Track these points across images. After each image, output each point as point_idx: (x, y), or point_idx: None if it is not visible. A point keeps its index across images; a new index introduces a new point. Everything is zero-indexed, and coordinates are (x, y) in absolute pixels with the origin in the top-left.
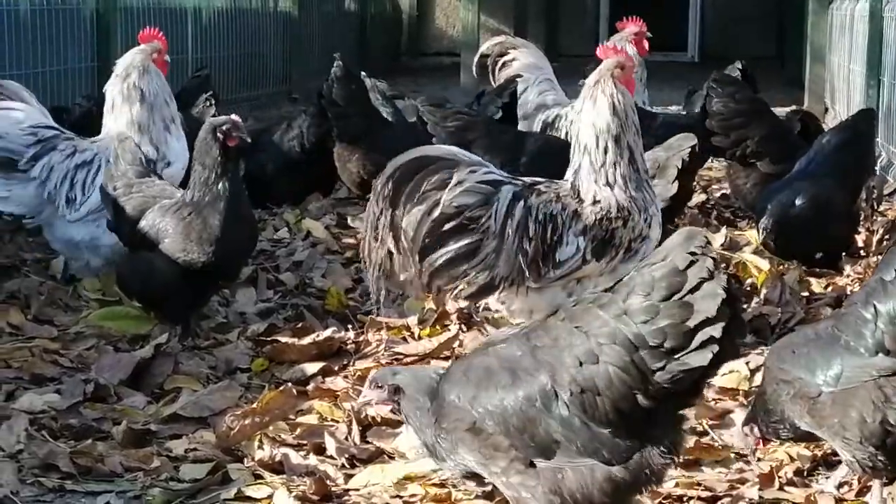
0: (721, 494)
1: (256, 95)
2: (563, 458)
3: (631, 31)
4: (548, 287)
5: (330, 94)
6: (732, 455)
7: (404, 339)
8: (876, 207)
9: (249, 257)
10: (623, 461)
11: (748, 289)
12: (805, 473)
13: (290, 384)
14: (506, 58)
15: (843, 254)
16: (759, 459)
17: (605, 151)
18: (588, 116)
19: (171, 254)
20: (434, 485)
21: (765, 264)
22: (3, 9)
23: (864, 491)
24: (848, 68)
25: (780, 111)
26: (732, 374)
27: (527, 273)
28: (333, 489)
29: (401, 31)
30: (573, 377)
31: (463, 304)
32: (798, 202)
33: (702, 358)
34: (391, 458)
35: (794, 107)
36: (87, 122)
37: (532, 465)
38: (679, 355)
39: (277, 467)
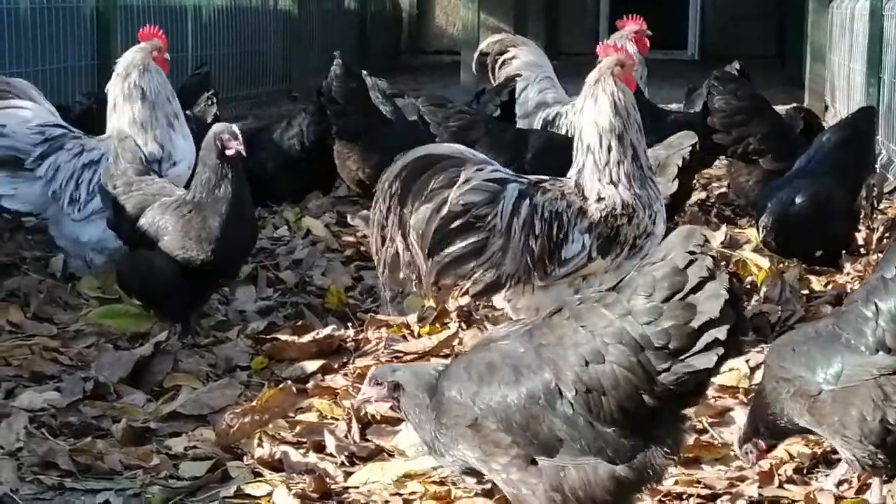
0: (720, 492)
1: (256, 93)
2: (567, 456)
3: (631, 29)
4: (554, 285)
5: (329, 92)
6: (732, 453)
7: (404, 336)
8: (876, 205)
9: (249, 256)
10: (627, 460)
11: (748, 287)
12: (805, 471)
13: (289, 382)
14: (506, 56)
15: (844, 252)
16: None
17: (609, 150)
18: (590, 115)
19: (170, 251)
20: (434, 482)
21: (765, 262)
22: (3, 7)
23: (863, 489)
24: (848, 67)
25: (780, 109)
26: (732, 372)
27: (533, 271)
28: (333, 487)
29: (401, 30)
30: (578, 376)
31: (466, 301)
32: (798, 200)
33: (707, 360)
34: (391, 455)
35: (794, 104)
36: (87, 119)
37: (533, 462)
38: (684, 357)
39: (277, 465)
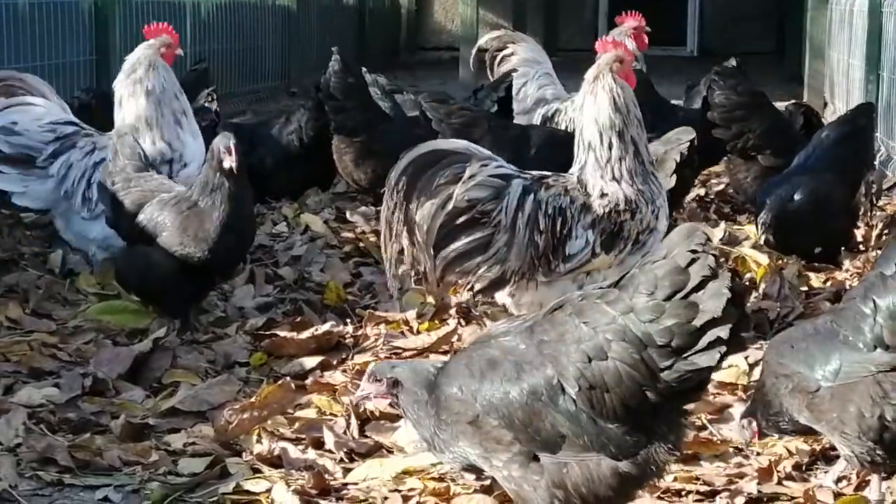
0: (719, 489)
1: (255, 89)
2: (569, 452)
3: (630, 25)
4: (557, 280)
5: (328, 88)
6: (731, 449)
7: (403, 333)
8: (875, 202)
9: (247, 253)
10: (631, 456)
11: (747, 283)
12: (804, 468)
13: (288, 378)
14: (504, 52)
15: (842, 248)
16: (757, 454)
17: (610, 147)
18: (590, 113)
19: (168, 247)
20: (433, 479)
21: (764, 259)
22: (1, 2)
23: (862, 485)
24: (847, 63)
25: (779, 106)
26: (731, 368)
27: (537, 267)
28: (332, 483)
29: (399, 26)
30: (581, 372)
31: (467, 297)
32: (797, 197)
33: (710, 358)
34: (390, 452)
35: (793, 101)
36: (86, 115)
37: (535, 458)
38: (687, 355)
39: (276, 461)
